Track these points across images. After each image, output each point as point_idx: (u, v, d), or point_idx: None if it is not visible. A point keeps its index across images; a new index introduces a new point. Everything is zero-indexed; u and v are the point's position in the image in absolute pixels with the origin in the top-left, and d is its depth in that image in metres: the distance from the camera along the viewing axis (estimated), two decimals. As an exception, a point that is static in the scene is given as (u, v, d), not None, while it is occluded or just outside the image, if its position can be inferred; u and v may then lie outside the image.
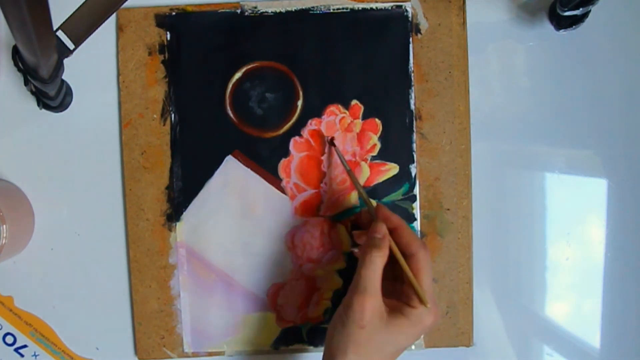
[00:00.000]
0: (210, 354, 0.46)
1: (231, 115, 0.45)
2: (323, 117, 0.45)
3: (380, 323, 0.37)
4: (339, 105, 0.45)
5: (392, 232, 0.39)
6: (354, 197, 0.45)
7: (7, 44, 0.45)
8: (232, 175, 0.45)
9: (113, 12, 0.38)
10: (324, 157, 0.45)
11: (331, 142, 0.44)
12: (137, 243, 0.45)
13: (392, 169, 0.45)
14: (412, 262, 0.38)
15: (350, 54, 0.45)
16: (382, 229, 0.39)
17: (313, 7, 0.45)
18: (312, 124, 0.45)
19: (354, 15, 0.45)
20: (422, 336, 0.45)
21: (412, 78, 0.45)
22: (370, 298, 0.37)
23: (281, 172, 0.45)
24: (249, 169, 0.45)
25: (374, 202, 0.44)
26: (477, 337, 0.46)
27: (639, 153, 0.46)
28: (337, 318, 0.38)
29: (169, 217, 0.45)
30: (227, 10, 0.45)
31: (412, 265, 0.38)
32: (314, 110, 0.45)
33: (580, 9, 0.40)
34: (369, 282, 0.37)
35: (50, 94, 0.40)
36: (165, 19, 0.45)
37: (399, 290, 0.39)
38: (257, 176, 0.45)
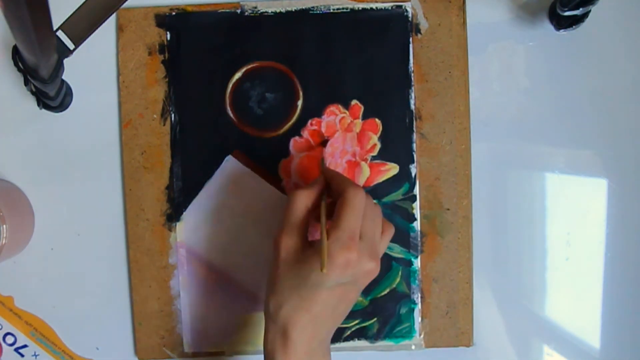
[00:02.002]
0: (210, 354, 0.46)
1: (231, 115, 0.45)
2: (323, 117, 0.45)
3: (293, 261, 0.36)
4: (339, 105, 0.45)
5: (329, 183, 0.39)
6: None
7: (7, 44, 0.45)
8: (232, 175, 0.45)
9: (113, 12, 0.38)
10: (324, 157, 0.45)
11: (324, 144, 0.45)
12: (137, 243, 0.45)
13: (392, 169, 0.45)
14: (340, 200, 0.36)
15: (350, 54, 0.45)
16: (318, 179, 0.39)
17: (313, 7, 0.45)
18: (312, 124, 0.45)
19: (354, 15, 0.45)
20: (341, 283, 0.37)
21: (412, 78, 0.45)
22: (285, 236, 0.37)
23: (281, 172, 0.45)
24: (249, 169, 0.45)
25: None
26: (477, 337, 0.46)
27: (639, 153, 0.46)
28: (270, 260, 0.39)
29: (169, 217, 0.45)
30: (227, 10, 0.45)
31: (339, 204, 0.36)
32: (314, 110, 0.45)
33: (580, 9, 0.40)
34: (286, 220, 0.37)
35: (50, 94, 0.40)
36: (165, 19, 0.45)
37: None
38: (257, 176, 0.45)
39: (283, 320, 0.36)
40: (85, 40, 0.38)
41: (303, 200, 0.37)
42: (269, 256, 0.45)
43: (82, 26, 0.38)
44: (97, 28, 0.38)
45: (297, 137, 0.45)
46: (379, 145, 0.45)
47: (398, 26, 0.44)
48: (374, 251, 0.36)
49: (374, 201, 0.39)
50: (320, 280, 0.35)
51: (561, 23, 0.44)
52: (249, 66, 0.45)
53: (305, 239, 0.38)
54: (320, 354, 0.37)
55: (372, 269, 0.36)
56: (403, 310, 0.45)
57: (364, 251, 0.35)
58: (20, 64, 0.39)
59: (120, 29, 0.45)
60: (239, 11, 0.45)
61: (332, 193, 0.39)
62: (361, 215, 0.36)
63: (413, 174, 0.45)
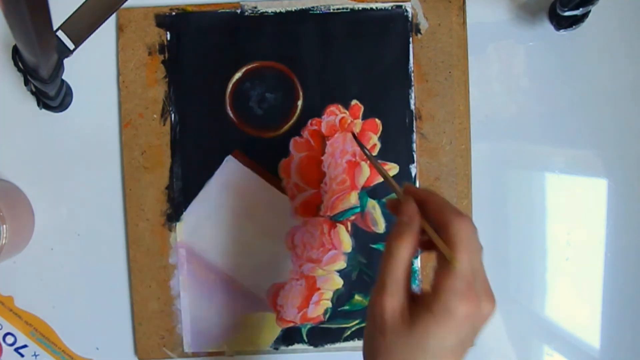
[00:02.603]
0: (210, 354, 0.46)
1: (231, 115, 0.45)
2: (323, 117, 0.45)
3: (403, 326, 0.29)
4: (339, 105, 0.45)
5: (422, 206, 0.32)
6: (353, 197, 0.45)
7: (7, 44, 0.45)
8: (232, 175, 0.45)
9: (113, 12, 0.38)
10: (324, 157, 0.45)
11: (354, 135, 0.43)
12: (137, 243, 0.45)
13: (392, 169, 0.45)
14: (445, 236, 0.30)
15: (350, 54, 0.45)
16: (409, 208, 0.32)
17: (313, 7, 0.45)
18: (312, 124, 0.45)
19: (354, 15, 0.45)
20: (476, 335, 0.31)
21: (412, 78, 0.45)
22: (389, 298, 0.30)
23: (281, 172, 0.45)
24: (249, 169, 0.45)
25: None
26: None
27: (639, 153, 0.46)
28: (366, 322, 0.32)
29: (169, 217, 0.45)
30: (227, 10, 0.45)
31: (446, 241, 0.30)
32: (314, 110, 0.45)
33: (580, 9, 0.40)
34: (389, 278, 0.30)
35: (50, 94, 0.40)
36: (165, 19, 0.45)
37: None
38: (257, 176, 0.45)
39: None
40: (85, 40, 0.38)
41: (406, 251, 0.31)
42: (271, 258, 0.45)
43: (82, 26, 0.38)
44: (97, 28, 0.38)
45: (297, 137, 0.45)
46: (379, 145, 0.45)
47: (398, 26, 0.44)
48: (488, 289, 0.30)
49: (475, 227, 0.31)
50: (440, 344, 0.29)
51: (561, 23, 0.44)
52: (249, 66, 0.45)
53: (411, 297, 0.31)
54: None
55: (491, 311, 0.30)
56: (403, 310, 0.45)
57: (480, 294, 0.29)
58: (20, 64, 0.39)
59: (120, 29, 0.45)
60: (239, 11, 0.45)
61: (426, 217, 0.32)
62: (475, 252, 0.30)
63: (413, 174, 0.45)
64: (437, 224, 0.31)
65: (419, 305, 0.30)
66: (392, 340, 0.30)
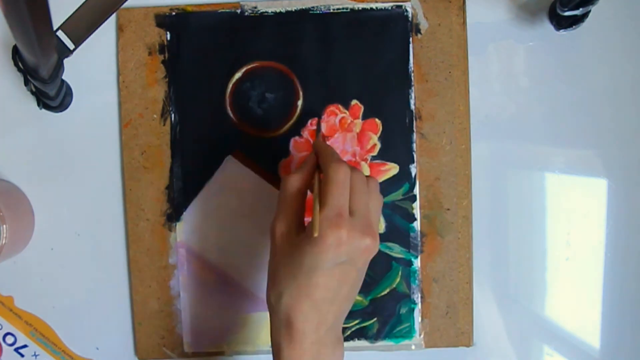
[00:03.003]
0: (210, 354, 0.46)
1: (231, 115, 0.45)
2: (323, 117, 0.45)
3: (288, 247, 0.35)
4: (339, 105, 0.45)
5: (318, 159, 0.38)
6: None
7: (7, 44, 0.45)
8: (232, 175, 0.45)
9: (113, 12, 0.38)
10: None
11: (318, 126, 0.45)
12: (137, 243, 0.45)
13: (392, 169, 0.45)
14: (323, 179, 0.35)
15: (350, 54, 0.45)
16: (308, 158, 0.38)
17: (313, 7, 0.45)
18: (312, 124, 0.45)
19: (354, 15, 0.45)
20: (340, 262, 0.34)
21: (412, 78, 0.45)
22: (279, 224, 0.36)
23: (281, 172, 0.45)
24: (249, 169, 0.45)
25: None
26: (477, 337, 0.46)
27: (639, 153, 0.46)
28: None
29: (169, 217, 0.45)
30: (227, 10, 0.45)
31: (323, 182, 0.35)
32: (314, 110, 0.45)
33: (580, 9, 0.40)
34: (280, 207, 0.36)
35: (50, 94, 0.40)
36: (165, 19, 0.45)
37: None
38: (257, 176, 0.45)
39: (285, 310, 0.34)
40: (85, 40, 0.38)
41: (293, 183, 0.36)
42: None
43: (82, 26, 0.38)
44: (97, 28, 0.38)
45: (297, 137, 0.45)
46: (379, 145, 0.45)
47: (398, 26, 0.44)
48: (368, 227, 0.34)
49: (366, 175, 0.37)
50: (315, 263, 0.33)
51: (561, 23, 0.44)
52: (249, 66, 0.45)
53: (299, 223, 0.36)
54: (329, 343, 0.35)
55: (368, 245, 0.34)
56: (403, 310, 0.45)
57: (356, 227, 0.33)
58: (20, 64, 0.39)
59: (120, 29, 0.45)
60: (239, 11, 0.45)
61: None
62: (347, 190, 0.34)
63: (413, 174, 0.45)
64: (323, 170, 0.36)
65: (304, 231, 0.35)
66: (279, 258, 0.35)
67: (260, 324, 0.46)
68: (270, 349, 0.46)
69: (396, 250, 0.45)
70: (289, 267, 0.34)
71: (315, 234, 0.32)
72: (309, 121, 0.45)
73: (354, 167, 0.36)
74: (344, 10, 0.45)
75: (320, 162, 0.37)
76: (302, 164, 0.38)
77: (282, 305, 0.34)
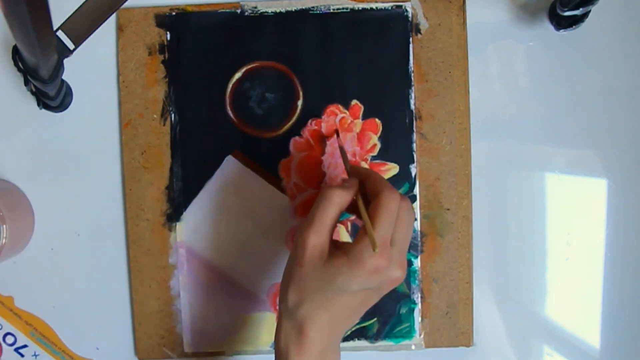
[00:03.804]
0: (210, 354, 0.46)
1: (231, 115, 0.45)
2: (323, 117, 0.45)
3: (319, 262, 0.34)
4: (339, 105, 0.45)
5: (363, 182, 0.37)
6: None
7: (7, 44, 0.45)
8: (232, 175, 0.45)
9: (113, 12, 0.38)
10: (324, 157, 0.45)
11: (337, 133, 0.44)
12: (137, 243, 0.45)
13: (392, 169, 0.45)
14: (374, 203, 0.35)
15: (350, 54, 0.45)
16: (351, 180, 0.38)
17: (313, 7, 0.45)
18: (312, 124, 0.45)
19: (354, 15, 0.45)
20: (373, 285, 0.34)
21: (412, 78, 0.45)
22: (313, 235, 0.34)
23: (281, 172, 0.45)
24: (249, 169, 0.45)
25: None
26: (477, 337, 0.46)
27: (639, 153, 0.46)
28: (291, 251, 0.37)
29: (169, 217, 0.45)
30: (227, 10, 0.45)
31: (372, 206, 0.34)
32: (314, 110, 0.45)
33: (580, 9, 0.40)
34: (317, 219, 0.35)
35: (50, 94, 0.40)
36: (165, 19, 0.45)
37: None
38: (257, 176, 0.45)
39: (301, 318, 0.34)
40: (85, 40, 0.38)
41: (338, 199, 0.35)
42: (271, 258, 0.45)
43: (82, 26, 0.38)
44: (97, 28, 0.38)
45: (297, 137, 0.45)
46: (379, 145, 0.45)
47: (398, 26, 0.44)
48: (403, 259, 0.35)
49: (411, 205, 0.36)
50: (346, 284, 0.33)
51: (561, 23, 0.44)
52: (249, 66, 0.45)
53: (331, 238, 0.36)
54: (332, 351, 0.36)
55: (398, 277, 0.34)
56: (403, 310, 0.45)
57: (394, 258, 0.34)
58: (20, 64, 0.39)
59: (120, 29, 0.45)
60: (239, 11, 0.45)
61: (366, 192, 0.37)
62: (394, 220, 0.34)
63: (413, 174, 0.45)
64: (371, 195, 0.36)
65: (338, 249, 0.35)
66: (307, 271, 0.34)
67: (260, 324, 0.46)
68: (271, 349, 0.46)
69: (396, 250, 0.45)
70: (318, 281, 0.34)
71: (376, 250, 0.32)
72: (309, 121, 0.45)
73: (403, 196, 0.36)
74: (344, 10, 0.45)
75: (369, 185, 0.37)
76: (344, 182, 0.37)
77: (300, 312, 0.35)
